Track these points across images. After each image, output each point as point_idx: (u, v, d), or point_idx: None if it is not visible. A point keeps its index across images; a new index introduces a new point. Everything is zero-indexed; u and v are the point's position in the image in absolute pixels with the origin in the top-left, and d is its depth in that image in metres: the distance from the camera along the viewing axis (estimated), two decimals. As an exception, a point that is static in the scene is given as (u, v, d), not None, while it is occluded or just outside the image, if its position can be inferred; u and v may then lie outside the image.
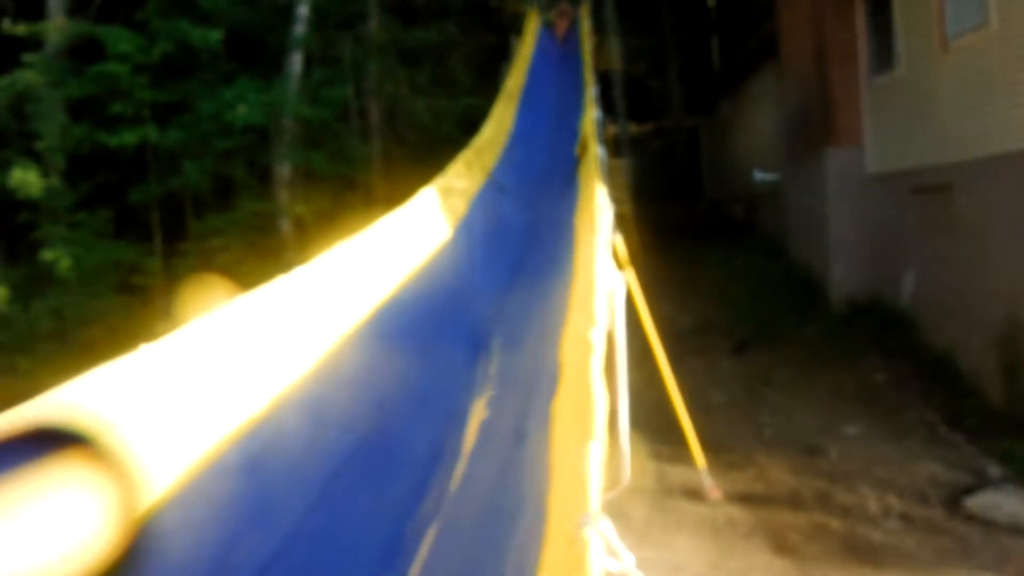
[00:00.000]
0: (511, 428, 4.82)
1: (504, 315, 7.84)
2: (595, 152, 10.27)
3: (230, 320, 3.99)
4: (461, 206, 9.24)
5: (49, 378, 2.96)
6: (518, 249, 9.78)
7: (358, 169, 19.55)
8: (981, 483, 7.78)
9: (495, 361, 6.61)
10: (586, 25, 19.22)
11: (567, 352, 4.15)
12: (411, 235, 7.33)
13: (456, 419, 5.49)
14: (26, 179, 17.28)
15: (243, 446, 3.71)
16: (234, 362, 3.96)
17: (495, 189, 10.83)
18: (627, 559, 2.29)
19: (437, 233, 8.11)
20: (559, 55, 18.79)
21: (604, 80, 18.57)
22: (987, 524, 7.14)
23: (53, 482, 1.23)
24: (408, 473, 4.78)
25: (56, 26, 18.88)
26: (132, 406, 3.14)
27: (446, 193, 8.82)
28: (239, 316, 4.09)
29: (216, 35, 18.11)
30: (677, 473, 8.23)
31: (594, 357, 3.21)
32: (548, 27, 20.34)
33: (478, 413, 5.56)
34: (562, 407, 3.59)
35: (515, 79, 16.32)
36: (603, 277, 4.60)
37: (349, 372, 4.91)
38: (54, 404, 2.59)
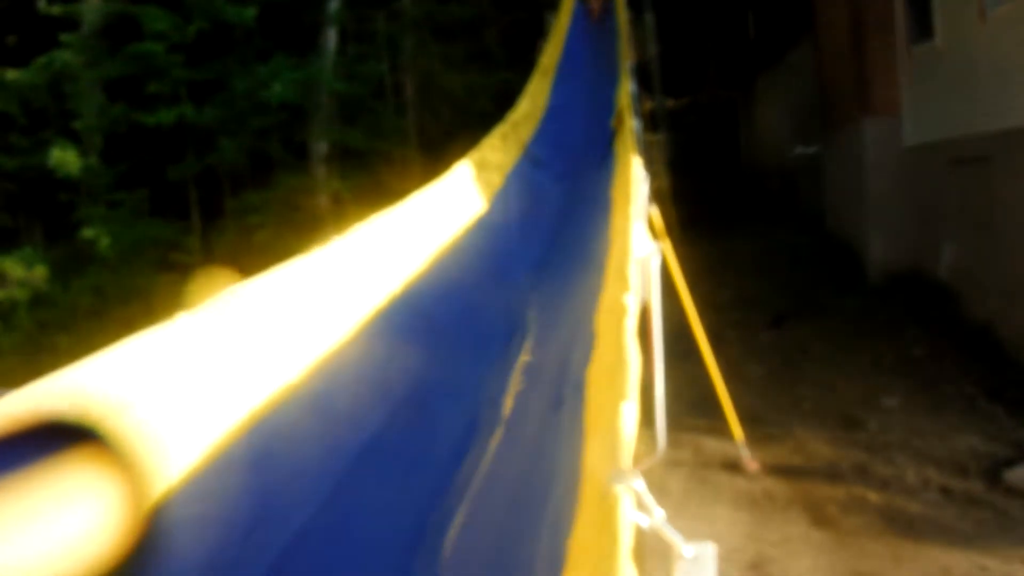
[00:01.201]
0: (547, 396, 4.83)
1: (540, 287, 7.83)
2: (631, 125, 10.23)
3: (258, 295, 4.01)
4: (497, 179, 9.24)
5: (89, 356, 2.98)
6: (554, 222, 9.76)
7: (394, 144, 19.58)
8: (1021, 456, 7.70)
9: (531, 332, 6.61)
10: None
11: (602, 320, 4.15)
12: (447, 209, 7.34)
13: (493, 388, 5.50)
14: (65, 158, 17.49)
15: (271, 423, 3.72)
16: (270, 332, 3.98)
17: (531, 162, 10.81)
18: (658, 514, 2.28)
19: (473, 206, 8.11)
20: (595, 30, 18.69)
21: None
22: (1027, 496, 7.08)
23: (61, 479, 1.23)
24: (446, 441, 4.79)
25: (92, 6, 19.00)
26: (142, 390, 3.14)
27: (481, 166, 8.82)
28: (276, 286, 4.11)
29: (250, 12, 18.18)
30: (715, 446, 8.21)
31: (628, 320, 3.21)
32: (583, 2, 20.24)
33: (515, 383, 5.57)
34: (597, 372, 3.59)
35: (550, 54, 16.26)
36: (638, 246, 4.58)
37: (384, 346, 4.92)
38: (63, 391, 2.60)
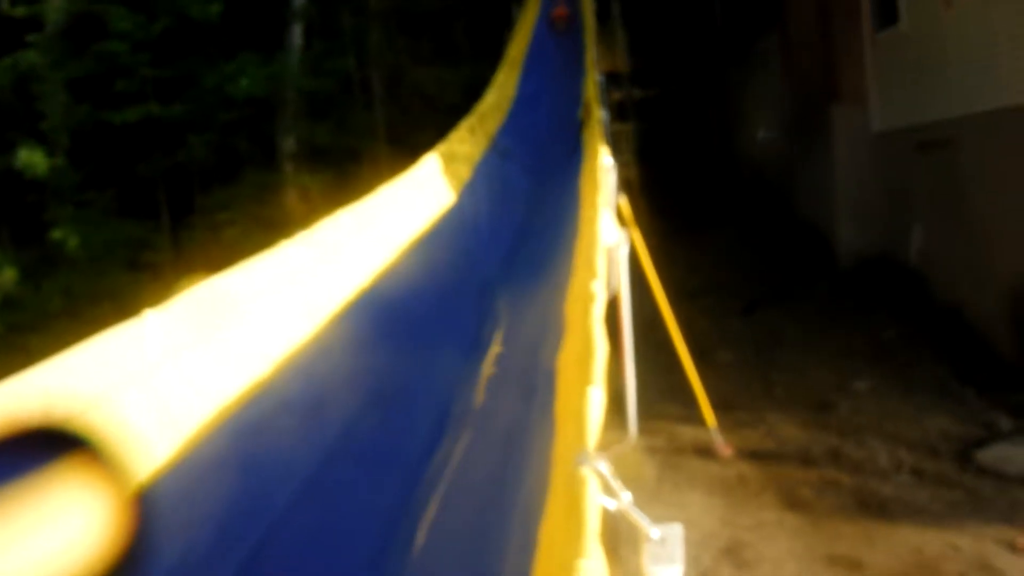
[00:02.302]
0: (519, 386, 4.83)
1: (510, 278, 7.85)
2: (598, 115, 10.24)
3: (234, 285, 3.99)
4: (465, 171, 9.24)
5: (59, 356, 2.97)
6: (522, 212, 9.79)
7: (362, 140, 19.54)
8: (992, 436, 7.76)
9: (502, 322, 6.62)
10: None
11: (571, 308, 4.15)
12: (415, 201, 7.34)
13: (465, 378, 5.51)
14: (32, 159, 17.37)
15: (252, 407, 3.72)
16: (239, 326, 3.96)
17: (499, 154, 10.82)
18: (624, 497, 2.29)
19: (441, 198, 8.11)
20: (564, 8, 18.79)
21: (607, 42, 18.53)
22: (998, 477, 7.12)
23: (49, 488, 1.22)
24: (418, 433, 4.79)
25: (55, 6, 18.85)
26: (136, 371, 3.14)
27: (449, 159, 8.82)
28: (244, 280, 4.09)
29: (215, 8, 18.10)
30: (688, 432, 8.23)
31: (595, 307, 3.21)
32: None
33: (486, 371, 5.58)
34: (566, 361, 3.60)
35: (518, 45, 16.28)
36: (605, 234, 4.58)
37: (356, 335, 4.92)
38: (34, 389, 2.59)
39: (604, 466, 2.04)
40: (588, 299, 3.35)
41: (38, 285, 17.36)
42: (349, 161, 19.14)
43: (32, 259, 18.25)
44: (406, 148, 13.41)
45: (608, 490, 2.12)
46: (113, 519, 1.25)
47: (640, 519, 2.47)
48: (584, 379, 2.55)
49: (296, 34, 19.55)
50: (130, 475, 1.35)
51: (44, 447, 1.26)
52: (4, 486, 1.17)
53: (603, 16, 19.87)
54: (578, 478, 1.93)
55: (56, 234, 17.22)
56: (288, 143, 19.09)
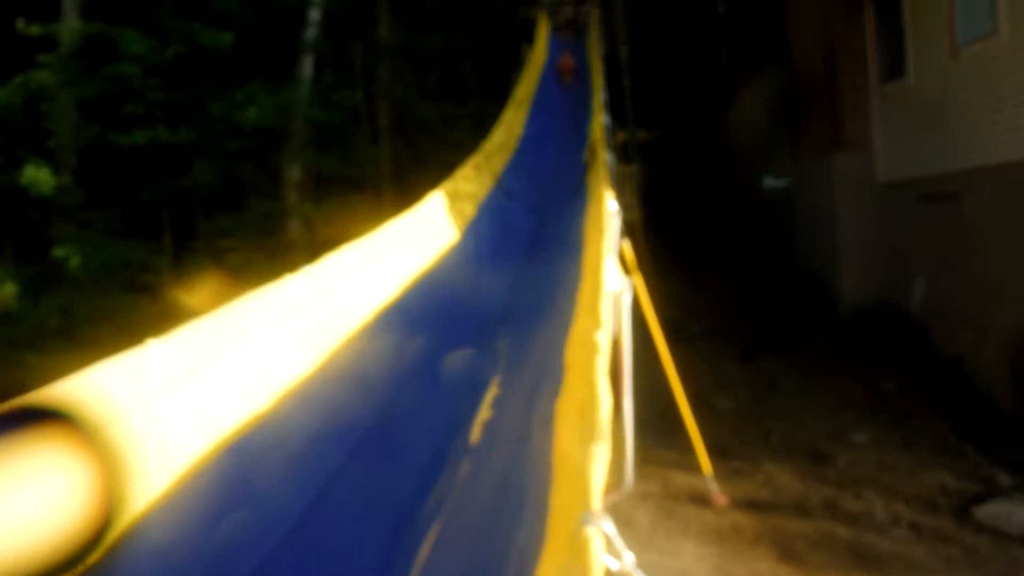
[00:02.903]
0: (515, 427, 4.82)
1: (510, 318, 7.84)
2: (604, 158, 10.27)
3: (237, 317, 3.99)
4: (469, 210, 9.25)
5: (56, 374, 2.96)
6: (525, 252, 9.79)
7: (367, 172, 19.62)
8: (991, 492, 7.72)
9: (500, 362, 6.61)
10: (595, 31, 19.24)
11: (572, 354, 4.14)
12: (419, 238, 7.34)
13: (461, 419, 5.49)
14: (38, 177, 17.41)
15: (249, 441, 3.71)
16: (240, 359, 3.96)
17: (503, 194, 10.84)
18: (627, 558, 2.27)
19: (445, 236, 8.12)
20: (573, 54, 18.86)
21: (614, 85, 18.60)
22: (997, 534, 7.08)
23: (30, 456, 1.22)
24: (412, 472, 4.77)
25: (70, 26, 18.95)
26: (137, 400, 3.14)
27: (454, 197, 8.83)
28: (247, 313, 4.09)
29: (228, 37, 18.19)
30: (683, 479, 8.19)
31: (599, 358, 3.20)
32: (557, 34, 20.38)
33: (483, 413, 5.56)
34: (566, 407, 3.58)
35: (526, 86, 16.35)
36: (610, 281, 4.59)
37: (356, 371, 4.91)
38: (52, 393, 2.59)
39: (609, 526, 2.03)
40: (592, 349, 3.35)
41: (37, 301, 17.35)
42: (354, 192, 19.19)
43: (33, 275, 18.25)
44: (411, 181, 13.46)
45: (611, 549, 2.10)
46: (96, 493, 1.26)
47: (642, 581, 2.45)
48: (588, 433, 2.54)
49: (307, 65, 19.65)
50: (104, 443, 1.36)
51: (30, 419, 1.27)
52: None
53: (611, 60, 20.00)
54: (582, 537, 1.92)
55: (58, 252, 17.23)
56: (293, 172, 19.14)
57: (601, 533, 1.97)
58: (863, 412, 9.86)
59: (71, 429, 1.27)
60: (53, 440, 1.25)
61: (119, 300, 17.32)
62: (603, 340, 3.41)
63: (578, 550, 1.90)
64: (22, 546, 1.21)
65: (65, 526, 1.20)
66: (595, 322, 3.77)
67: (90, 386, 2.98)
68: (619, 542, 2.13)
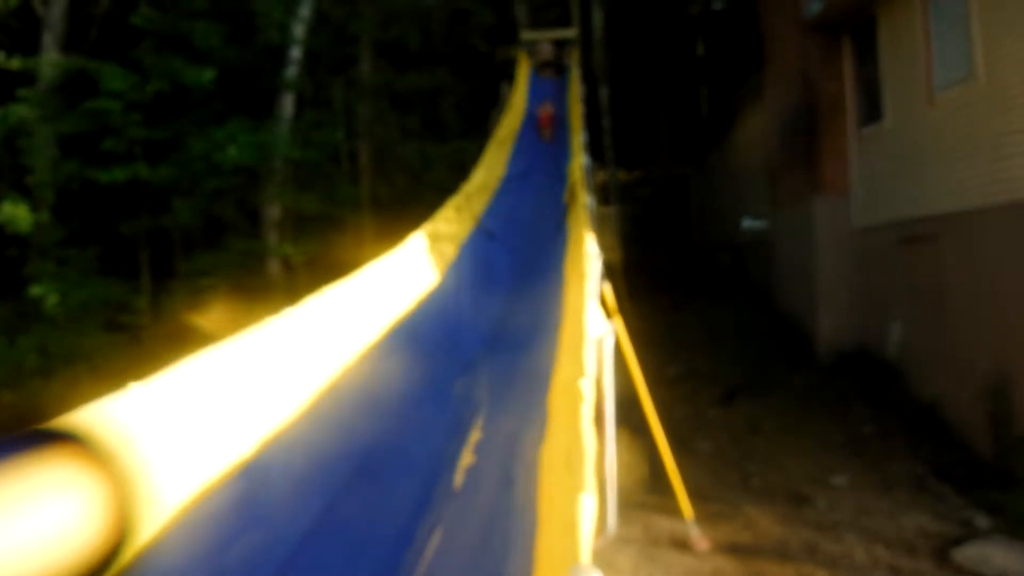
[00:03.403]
0: (498, 474, 4.80)
1: (491, 361, 7.83)
2: (583, 200, 10.30)
3: (219, 361, 3.98)
4: (450, 251, 9.27)
5: (33, 413, 2.94)
6: (506, 295, 9.80)
7: (347, 211, 19.60)
8: (970, 535, 7.75)
9: (482, 407, 6.59)
10: (575, 73, 19.34)
11: (555, 400, 4.14)
12: (400, 279, 7.34)
13: (443, 465, 5.47)
14: (15, 214, 17.26)
15: (230, 487, 3.68)
16: (223, 405, 3.94)
17: (484, 236, 10.86)
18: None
19: (427, 278, 8.12)
20: (552, 100, 18.88)
21: (594, 126, 18.69)
22: (975, 577, 7.11)
23: (41, 478, 1.22)
24: (394, 519, 4.74)
25: (50, 61, 18.91)
26: (141, 431, 3.13)
27: (435, 238, 8.85)
28: (229, 357, 4.07)
29: (209, 74, 18.16)
30: (664, 523, 8.18)
31: (584, 407, 3.21)
32: (537, 73, 20.47)
33: (466, 458, 5.54)
34: (550, 455, 3.58)
35: (507, 126, 16.41)
36: (592, 327, 4.60)
37: (337, 415, 4.89)
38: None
39: (599, 578, 2.03)
40: (576, 397, 3.35)
41: (13, 341, 17.18)
42: (334, 231, 19.18)
43: (9, 314, 18.09)
44: (390, 221, 13.44)
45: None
46: (108, 515, 1.26)
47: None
48: (575, 484, 2.54)
49: (288, 104, 19.67)
50: (116, 465, 1.36)
51: (31, 439, 1.27)
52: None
53: (591, 101, 20.12)
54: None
55: (35, 290, 17.06)
56: (273, 212, 19.11)
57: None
58: (842, 455, 9.89)
59: (84, 451, 1.28)
60: (66, 461, 1.26)
61: (97, 339, 17.18)
62: (587, 388, 3.42)
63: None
64: (34, 568, 1.21)
65: (77, 548, 1.20)
66: (578, 369, 3.77)
67: (99, 415, 2.98)
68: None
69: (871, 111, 12.59)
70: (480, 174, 12.85)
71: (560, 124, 17.53)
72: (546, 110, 18.07)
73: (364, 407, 5.34)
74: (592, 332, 4.39)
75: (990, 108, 9.43)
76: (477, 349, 8.19)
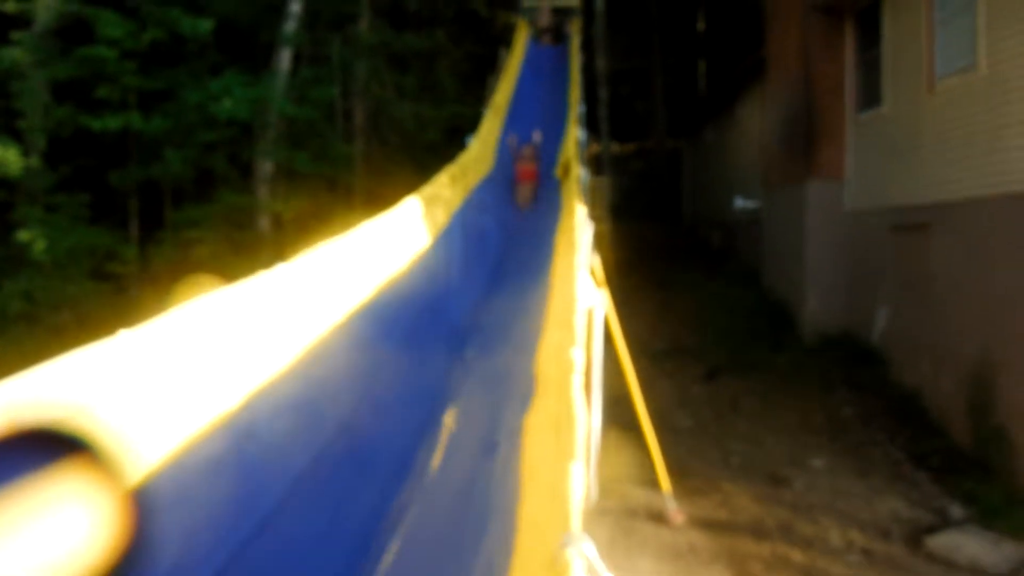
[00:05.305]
0: (480, 440, 4.81)
1: (478, 327, 7.85)
2: (577, 173, 10.29)
3: (209, 314, 3.96)
4: (443, 217, 9.25)
5: (17, 359, 2.92)
6: (496, 263, 9.81)
7: (340, 169, 19.53)
8: (943, 523, 7.82)
9: (467, 372, 6.61)
10: (576, 43, 19.23)
11: (543, 367, 4.14)
12: (392, 242, 7.32)
13: (427, 429, 5.48)
14: (6, 157, 17.14)
15: (215, 441, 3.67)
16: (211, 356, 3.92)
17: (478, 205, 10.85)
18: (609, 581, 2.27)
19: (417, 242, 8.10)
20: (548, 69, 18.75)
21: (590, 96, 18.59)
22: (948, 564, 7.16)
23: (50, 489, 1.21)
24: (375, 481, 4.75)
25: (46, 4, 18.73)
26: (107, 393, 3.10)
27: (430, 203, 8.82)
28: (218, 310, 4.05)
29: (207, 25, 18.04)
30: (642, 495, 8.21)
31: (575, 376, 3.21)
32: (537, 40, 20.33)
33: (448, 424, 5.55)
34: (536, 422, 3.59)
35: (503, 93, 16.32)
36: (583, 296, 4.60)
37: (323, 374, 4.88)
38: (38, 398, 2.56)
39: (590, 548, 2.03)
40: (567, 366, 3.35)
41: (-1, 285, 17.12)
42: (324, 190, 19.13)
43: (-5, 257, 18.02)
44: (382, 181, 13.39)
45: (592, 572, 2.10)
46: (111, 519, 1.25)
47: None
48: (564, 451, 2.54)
49: (285, 59, 19.55)
50: (126, 475, 1.35)
51: (41, 449, 1.25)
52: (3, 487, 1.17)
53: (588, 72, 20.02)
54: (563, 560, 1.92)
55: (23, 235, 16.98)
56: (265, 167, 19.04)
57: (582, 555, 1.97)
58: (822, 437, 9.95)
59: (93, 462, 1.25)
60: (78, 475, 1.24)
61: (83, 287, 17.14)
62: (578, 357, 3.42)
63: (558, 573, 1.90)
64: None
65: (88, 562, 1.19)
66: (569, 338, 3.77)
67: (59, 379, 2.94)
68: (600, 565, 2.13)
69: (870, 96, 12.56)
70: (476, 145, 12.82)
71: (541, 180, 13.11)
72: (526, 167, 13.18)
73: (350, 367, 5.33)
74: (582, 302, 4.39)
75: (990, 99, 9.41)
76: (464, 314, 8.21)
